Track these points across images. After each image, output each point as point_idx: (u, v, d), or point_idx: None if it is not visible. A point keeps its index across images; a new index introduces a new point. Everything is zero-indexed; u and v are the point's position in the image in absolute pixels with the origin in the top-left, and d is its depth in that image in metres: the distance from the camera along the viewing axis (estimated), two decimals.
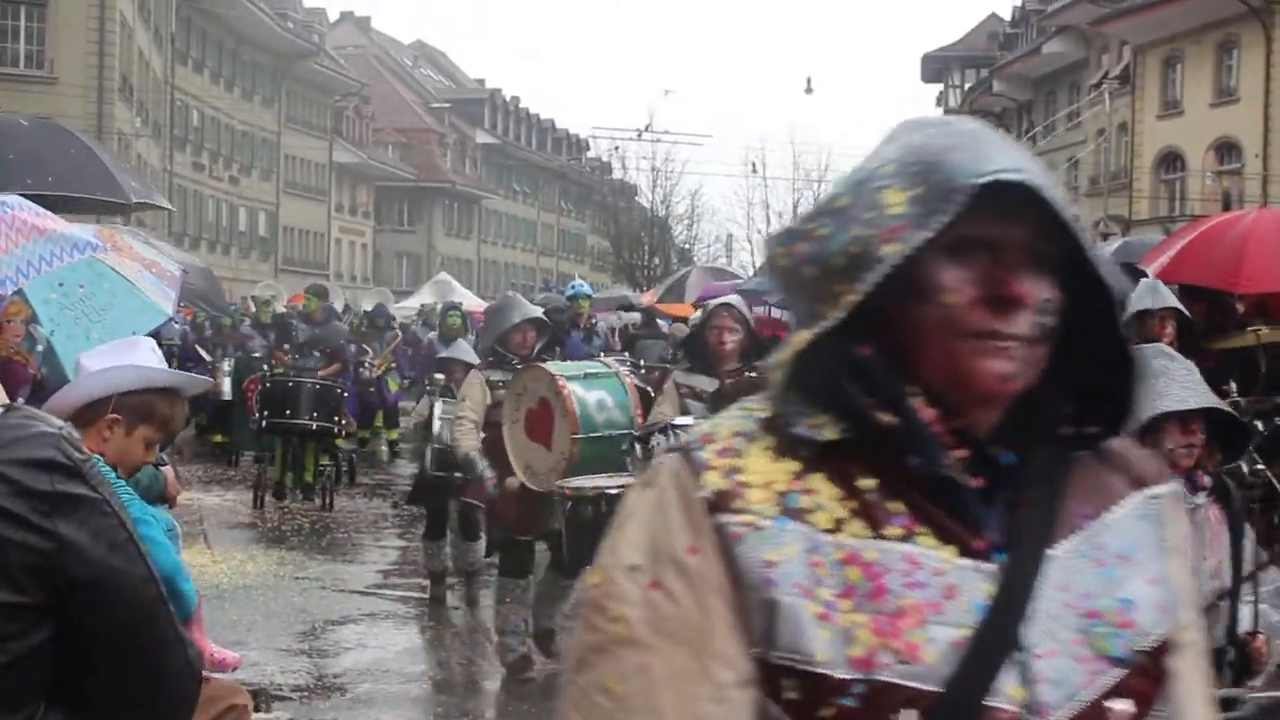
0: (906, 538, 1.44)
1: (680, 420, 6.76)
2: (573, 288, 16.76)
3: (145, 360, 4.21)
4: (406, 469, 19.66)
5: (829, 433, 1.46)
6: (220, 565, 11.24)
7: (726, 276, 21.70)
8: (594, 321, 16.37)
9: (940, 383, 1.47)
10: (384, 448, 21.03)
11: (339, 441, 15.34)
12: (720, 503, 1.44)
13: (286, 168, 61.56)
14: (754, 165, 53.16)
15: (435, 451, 9.82)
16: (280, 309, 17.87)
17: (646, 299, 23.86)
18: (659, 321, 18.62)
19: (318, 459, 14.94)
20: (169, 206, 13.41)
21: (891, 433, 1.45)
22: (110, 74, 38.92)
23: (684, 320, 17.59)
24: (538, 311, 8.51)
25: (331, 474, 15.11)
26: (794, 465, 1.46)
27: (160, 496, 4.91)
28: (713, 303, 7.88)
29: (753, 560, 1.42)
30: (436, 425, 9.81)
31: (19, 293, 5.64)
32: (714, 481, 1.46)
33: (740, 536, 1.43)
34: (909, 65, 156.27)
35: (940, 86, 61.75)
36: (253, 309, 23.99)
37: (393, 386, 19.96)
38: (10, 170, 7.49)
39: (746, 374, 7.25)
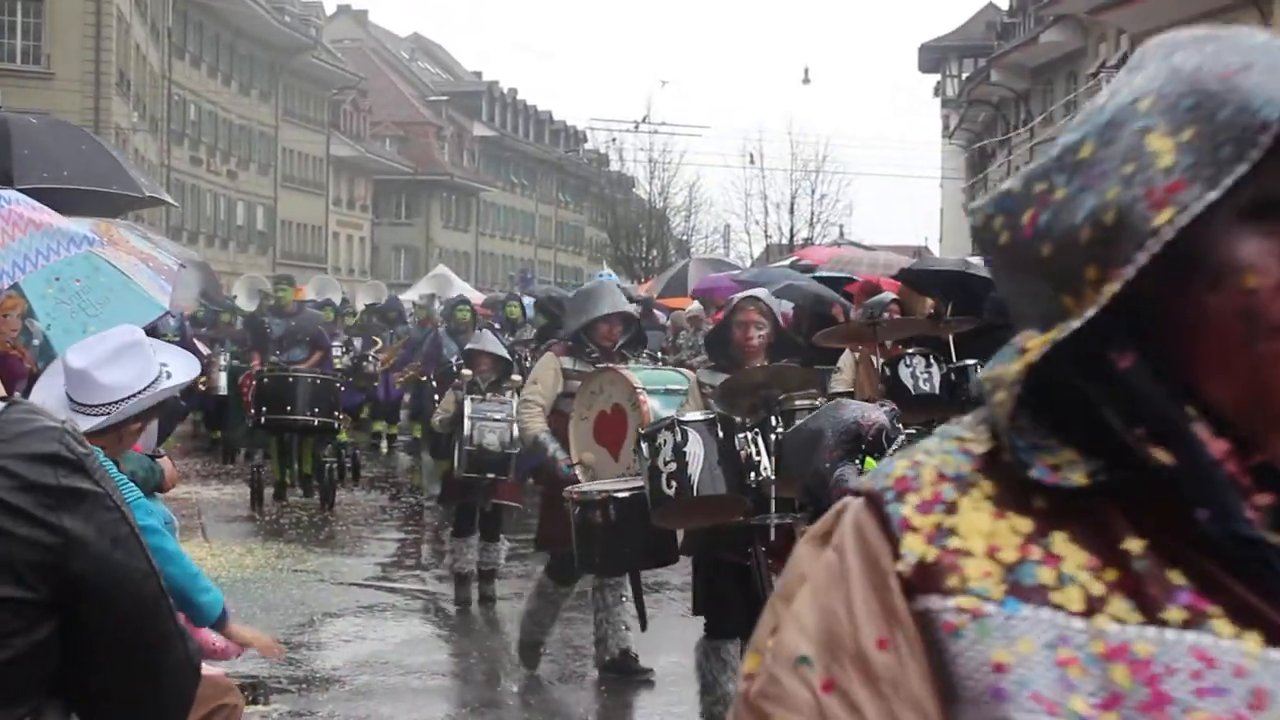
0: (1194, 623, 1.02)
1: (687, 416, 6.23)
2: (599, 277, 16.79)
3: (149, 359, 4.15)
4: (405, 461, 19.70)
5: (1078, 476, 1.06)
6: (218, 558, 11.25)
7: (724, 267, 21.68)
8: None
9: (1232, 401, 1.04)
10: (384, 441, 21.06)
11: (342, 436, 15.22)
12: (925, 580, 1.05)
13: (284, 162, 61.55)
14: (751, 156, 53.04)
15: (466, 453, 9.36)
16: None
17: (643, 290, 23.86)
18: (656, 313, 18.63)
19: (315, 453, 14.87)
20: (173, 202, 13.40)
21: (1168, 475, 1.04)
22: (107, 69, 38.94)
23: (682, 309, 17.63)
24: (629, 306, 8.11)
25: (334, 470, 14.84)
26: (1027, 523, 1.06)
27: (157, 487, 4.96)
28: (737, 296, 7.16)
29: (974, 663, 1.03)
30: (466, 426, 9.35)
31: (15, 287, 5.64)
32: (916, 549, 1.06)
33: (955, 629, 1.03)
34: (906, 55, 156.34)
35: (938, 76, 61.77)
36: (243, 305, 23.95)
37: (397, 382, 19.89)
38: (26, 165, 7.49)
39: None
